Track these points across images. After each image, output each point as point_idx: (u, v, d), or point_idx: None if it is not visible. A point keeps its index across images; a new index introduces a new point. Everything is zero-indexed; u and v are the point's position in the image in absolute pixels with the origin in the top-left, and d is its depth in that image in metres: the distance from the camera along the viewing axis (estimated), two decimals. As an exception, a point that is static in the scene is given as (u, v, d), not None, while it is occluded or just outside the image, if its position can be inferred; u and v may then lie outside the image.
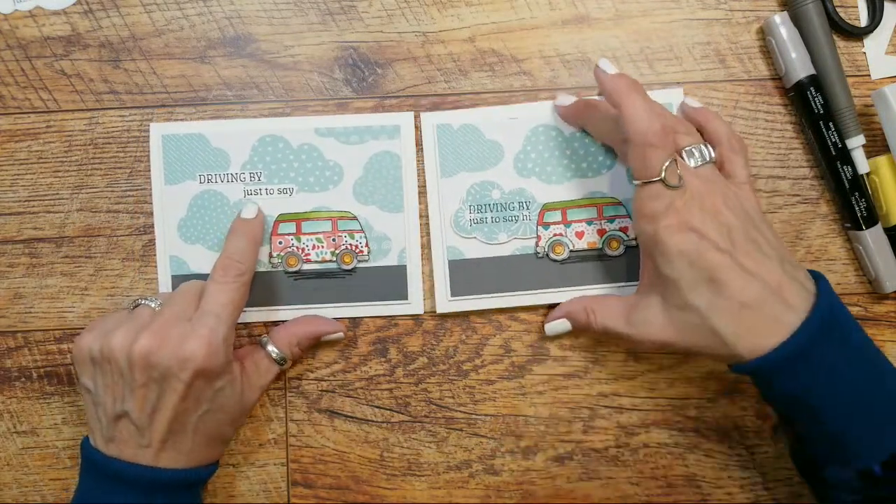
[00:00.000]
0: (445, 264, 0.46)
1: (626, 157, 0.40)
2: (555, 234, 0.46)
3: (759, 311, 0.36)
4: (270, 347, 0.43)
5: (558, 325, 0.44)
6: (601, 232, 0.45)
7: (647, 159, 0.38)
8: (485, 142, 0.46)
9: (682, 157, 0.39)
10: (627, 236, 0.45)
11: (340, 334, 0.45)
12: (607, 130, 0.43)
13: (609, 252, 0.45)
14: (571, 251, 0.46)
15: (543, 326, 0.45)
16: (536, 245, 0.46)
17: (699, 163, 0.39)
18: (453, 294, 0.45)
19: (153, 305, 0.41)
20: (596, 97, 0.45)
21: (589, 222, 0.46)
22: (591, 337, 0.46)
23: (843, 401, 0.36)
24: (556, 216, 0.46)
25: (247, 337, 0.46)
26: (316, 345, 0.46)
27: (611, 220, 0.46)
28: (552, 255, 0.45)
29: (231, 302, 0.40)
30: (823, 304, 0.36)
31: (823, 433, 0.37)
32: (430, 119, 0.46)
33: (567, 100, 0.45)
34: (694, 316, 0.38)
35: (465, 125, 0.46)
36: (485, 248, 0.46)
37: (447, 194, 0.46)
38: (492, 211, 0.46)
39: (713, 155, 0.40)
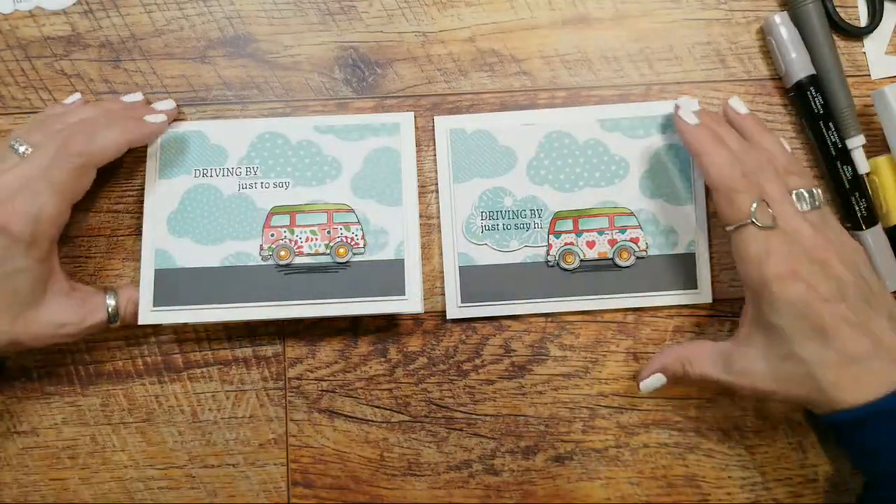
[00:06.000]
0: (456, 270, 0.45)
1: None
2: (566, 243, 0.45)
3: (864, 367, 0.36)
4: (110, 300, 0.43)
5: (654, 382, 0.43)
6: (612, 242, 0.45)
7: (733, 204, 0.38)
8: (498, 148, 0.46)
9: (793, 200, 0.39)
10: (638, 247, 0.45)
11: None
12: None
13: (619, 262, 0.45)
14: (582, 260, 0.45)
15: (638, 385, 0.44)
16: (547, 253, 0.46)
17: (808, 207, 0.39)
18: (463, 300, 0.45)
19: (21, 151, 0.40)
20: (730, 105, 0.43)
21: (600, 232, 0.46)
22: (591, 337, 0.46)
23: None
24: (568, 225, 0.46)
25: (247, 337, 0.46)
26: (315, 343, 0.46)
27: (622, 230, 0.45)
28: (563, 264, 0.45)
29: (57, 183, 0.39)
30: None
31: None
32: (443, 123, 0.46)
33: (691, 116, 0.42)
34: (798, 366, 0.37)
35: (478, 130, 0.46)
36: (496, 255, 0.46)
37: (459, 200, 0.46)
38: (503, 218, 0.46)
39: (822, 200, 0.39)
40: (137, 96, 0.46)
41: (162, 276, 0.44)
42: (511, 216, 0.46)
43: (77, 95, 0.45)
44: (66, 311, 0.42)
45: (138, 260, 0.45)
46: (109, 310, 0.43)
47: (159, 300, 0.44)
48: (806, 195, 0.39)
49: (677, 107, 0.42)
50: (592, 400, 0.46)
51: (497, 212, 0.46)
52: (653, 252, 0.45)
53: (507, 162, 0.46)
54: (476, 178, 0.46)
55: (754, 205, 0.38)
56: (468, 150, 0.46)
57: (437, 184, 0.46)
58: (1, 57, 0.47)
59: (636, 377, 0.46)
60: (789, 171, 0.40)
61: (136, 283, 0.45)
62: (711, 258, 0.46)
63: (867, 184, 0.45)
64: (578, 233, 0.46)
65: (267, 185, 0.45)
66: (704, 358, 0.41)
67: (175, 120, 0.46)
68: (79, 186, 0.41)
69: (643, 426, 0.46)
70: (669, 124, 0.46)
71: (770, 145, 0.41)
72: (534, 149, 0.46)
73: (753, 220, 0.38)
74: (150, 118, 0.44)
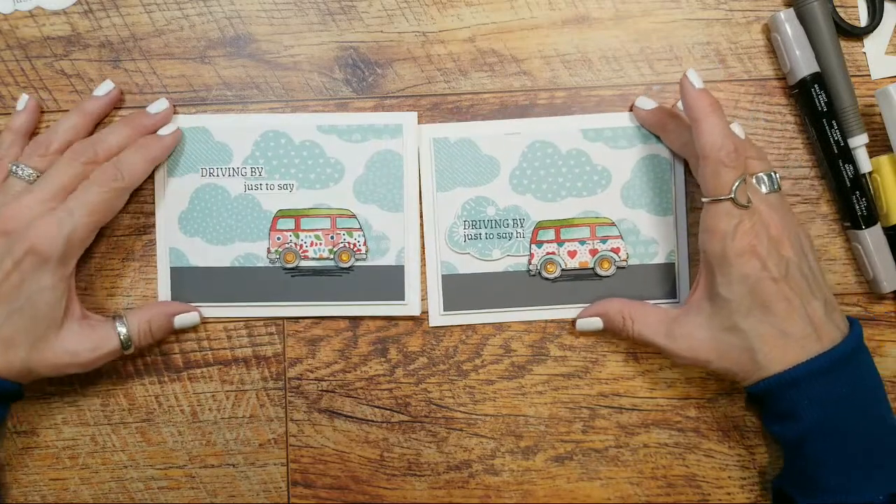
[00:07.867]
0: (439, 279, 0.46)
1: (697, 172, 0.41)
2: (548, 253, 0.46)
3: (795, 343, 0.38)
4: (120, 327, 0.43)
5: (590, 324, 0.45)
6: (593, 252, 0.46)
7: (719, 177, 0.39)
8: (481, 157, 0.46)
9: (753, 182, 0.40)
10: (619, 257, 0.46)
11: (195, 315, 0.44)
12: (684, 142, 0.44)
13: (600, 272, 0.46)
14: (563, 270, 0.46)
15: (575, 321, 0.45)
16: (529, 262, 0.46)
17: (768, 190, 0.40)
18: (446, 308, 0.46)
19: (25, 176, 0.41)
20: (678, 107, 0.45)
21: (581, 242, 0.46)
22: (591, 337, 0.46)
23: (830, 435, 0.38)
24: (550, 234, 0.46)
25: (248, 337, 0.46)
26: (315, 343, 0.46)
27: (603, 240, 0.46)
28: (544, 273, 0.46)
29: (92, 204, 0.41)
30: (850, 341, 0.39)
31: (804, 462, 0.39)
32: (427, 132, 0.46)
33: (648, 104, 0.45)
34: (738, 338, 0.39)
35: (462, 139, 0.46)
36: (478, 263, 0.46)
37: (442, 209, 0.46)
38: (486, 227, 0.46)
39: (780, 183, 0.41)
40: (163, 104, 0.45)
41: (177, 274, 0.45)
42: (493, 225, 0.46)
43: (25, 97, 0.45)
44: (79, 338, 0.42)
45: (138, 260, 0.45)
46: (121, 337, 0.42)
47: (176, 298, 0.45)
48: (765, 178, 0.41)
49: (685, 76, 0.41)
50: (592, 400, 0.46)
51: (480, 221, 0.46)
52: (633, 262, 0.46)
53: (490, 171, 0.46)
54: (459, 188, 0.46)
55: (737, 182, 0.39)
56: (451, 159, 0.46)
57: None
58: (1, 57, 0.47)
59: (636, 377, 0.46)
60: (749, 156, 0.41)
61: (154, 289, 0.45)
62: (691, 268, 0.46)
63: (868, 183, 0.45)
64: (560, 242, 0.46)
65: (272, 187, 0.46)
66: (648, 320, 0.43)
67: (175, 115, 0.47)
68: (110, 209, 0.42)
69: (643, 426, 0.46)
70: (651, 135, 0.46)
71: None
72: (517, 158, 0.46)
73: (734, 196, 0.38)
74: (162, 131, 0.45)
